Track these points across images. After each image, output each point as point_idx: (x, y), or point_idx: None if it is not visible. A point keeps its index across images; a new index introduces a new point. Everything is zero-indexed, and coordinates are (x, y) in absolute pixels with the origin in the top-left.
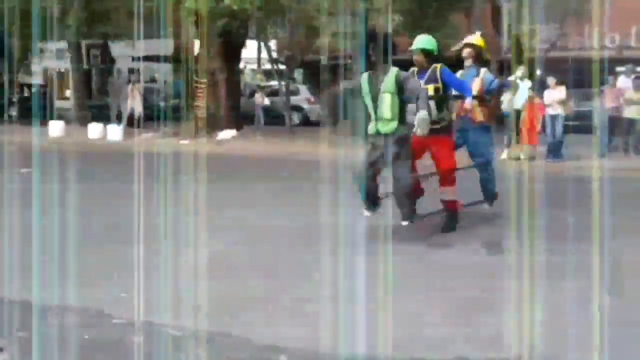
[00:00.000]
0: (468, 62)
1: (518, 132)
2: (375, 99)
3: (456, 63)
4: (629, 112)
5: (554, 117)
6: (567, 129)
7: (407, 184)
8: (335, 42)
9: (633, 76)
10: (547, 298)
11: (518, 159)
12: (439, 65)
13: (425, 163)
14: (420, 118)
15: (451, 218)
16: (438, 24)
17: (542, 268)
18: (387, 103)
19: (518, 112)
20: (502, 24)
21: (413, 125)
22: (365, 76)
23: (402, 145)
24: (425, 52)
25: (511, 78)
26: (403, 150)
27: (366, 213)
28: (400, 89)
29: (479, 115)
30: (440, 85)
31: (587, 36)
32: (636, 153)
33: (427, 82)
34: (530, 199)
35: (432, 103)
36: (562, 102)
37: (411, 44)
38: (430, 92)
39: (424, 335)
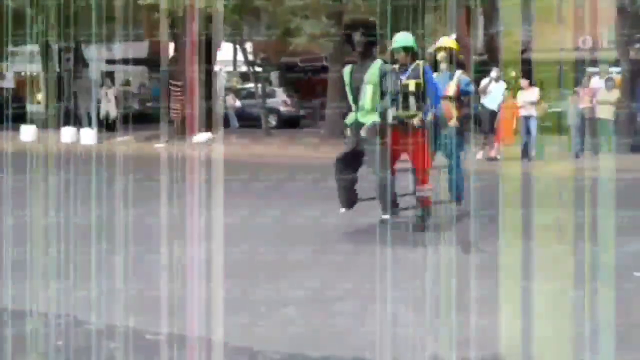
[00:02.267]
0: (443, 65)
1: (494, 132)
2: (355, 91)
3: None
4: (602, 112)
5: (527, 118)
6: (540, 130)
7: (386, 175)
8: (311, 45)
9: (606, 77)
10: (521, 297)
11: (493, 159)
12: (421, 62)
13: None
14: (372, 122)
15: (426, 215)
16: (413, 26)
17: (515, 267)
18: (368, 94)
19: (494, 113)
20: (477, 26)
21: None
22: (347, 68)
23: (380, 136)
24: (407, 50)
25: (486, 80)
26: (381, 141)
27: (342, 210)
28: (381, 81)
29: (454, 117)
30: (421, 81)
31: (560, 38)
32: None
33: (408, 78)
34: (505, 199)
35: (412, 98)
36: (535, 103)
37: (386, 45)
38: (412, 87)
39: (400, 335)
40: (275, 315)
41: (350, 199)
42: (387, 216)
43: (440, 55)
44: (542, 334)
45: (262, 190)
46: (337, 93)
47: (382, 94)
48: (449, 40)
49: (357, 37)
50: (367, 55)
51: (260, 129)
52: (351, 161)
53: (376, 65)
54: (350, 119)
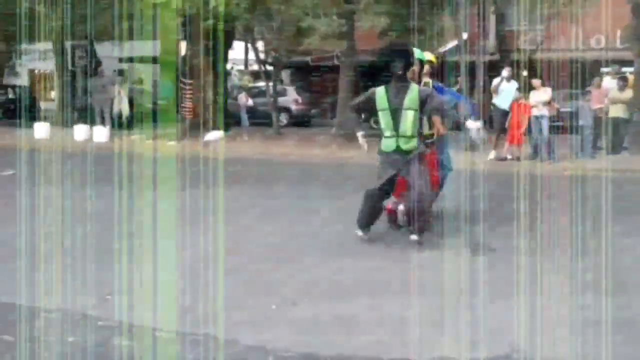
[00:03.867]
0: (426, 79)
1: (505, 132)
2: (394, 115)
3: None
4: (614, 111)
5: (539, 118)
6: (552, 130)
7: (430, 199)
8: (323, 44)
9: (618, 77)
10: (527, 296)
11: (504, 159)
12: (430, 81)
13: None
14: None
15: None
16: (424, 26)
17: (525, 268)
18: (410, 120)
19: (505, 113)
20: (488, 26)
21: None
22: (381, 90)
23: (423, 160)
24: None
25: (497, 79)
26: (424, 166)
27: (360, 234)
28: (422, 105)
29: (443, 128)
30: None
31: (573, 38)
32: (618, 152)
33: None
34: (517, 200)
35: (425, 119)
36: (548, 103)
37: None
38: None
39: (407, 336)
40: (287, 314)
41: (369, 224)
42: (416, 237)
43: (426, 69)
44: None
45: (273, 193)
46: (348, 94)
47: (420, 119)
48: (430, 55)
49: (396, 61)
50: (403, 79)
51: (271, 128)
52: (384, 189)
53: (415, 90)
54: (388, 145)
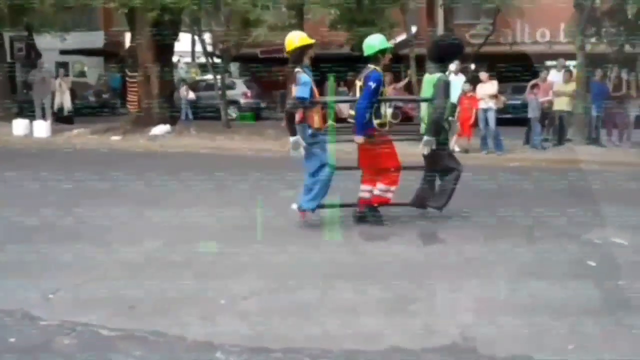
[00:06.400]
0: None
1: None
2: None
3: None
4: (559, 104)
5: (486, 111)
6: (499, 122)
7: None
8: (272, 36)
9: (563, 70)
10: (482, 287)
11: (452, 151)
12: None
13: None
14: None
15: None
16: (373, 19)
17: (472, 259)
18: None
19: (453, 106)
20: (437, 19)
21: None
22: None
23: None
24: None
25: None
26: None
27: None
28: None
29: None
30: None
31: (519, 31)
32: (562, 144)
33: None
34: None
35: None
36: (494, 96)
37: (348, 38)
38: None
39: (358, 326)
40: (234, 310)
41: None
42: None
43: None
44: None
45: (219, 186)
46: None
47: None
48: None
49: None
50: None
51: (220, 121)
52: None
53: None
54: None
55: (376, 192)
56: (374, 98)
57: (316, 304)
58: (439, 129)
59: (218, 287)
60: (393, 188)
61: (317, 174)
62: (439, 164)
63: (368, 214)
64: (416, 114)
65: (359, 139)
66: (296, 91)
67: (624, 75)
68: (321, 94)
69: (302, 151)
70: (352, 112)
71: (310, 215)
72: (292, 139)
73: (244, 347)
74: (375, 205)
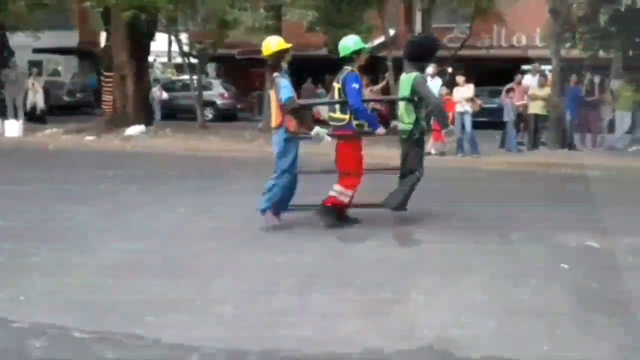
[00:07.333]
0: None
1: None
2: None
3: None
4: (534, 108)
5: (462, 114)
6: (475, 125)
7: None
8: (249, 37)
9: (538, 74)
10: (457, 289)
11: (427, 154)
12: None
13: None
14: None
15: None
16: (352, 21)
17: (449, 261)
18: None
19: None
20: (415, 22)
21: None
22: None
23: None
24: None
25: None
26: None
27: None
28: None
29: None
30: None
31: (496, 36)
32: (537, 147)
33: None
34: (441, 194)
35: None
36: (471, 100)
37: (325, 41)
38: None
39: (335, 329)
40: (210, 313)
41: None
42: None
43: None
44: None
45: (193, 188)
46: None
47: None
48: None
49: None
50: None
51: (195, 122)
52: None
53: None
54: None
55: (332, 192)
56: (361, 96)
57: (293, 306)
58: (444, 113)
59: (194, 290)
60: (349, 192)
61: (281, 176)
62: (412, 164)
63: (321, 210)
64: (389, 117)
65: (381, 131)
66: (282, 94)
67: (597, 80)
68: (299, 96)
69: (327, 139)
70: (332, 114)
71: (270, 217)
72: (312, 132)
73: (220, 350)
74: (328, 205)
